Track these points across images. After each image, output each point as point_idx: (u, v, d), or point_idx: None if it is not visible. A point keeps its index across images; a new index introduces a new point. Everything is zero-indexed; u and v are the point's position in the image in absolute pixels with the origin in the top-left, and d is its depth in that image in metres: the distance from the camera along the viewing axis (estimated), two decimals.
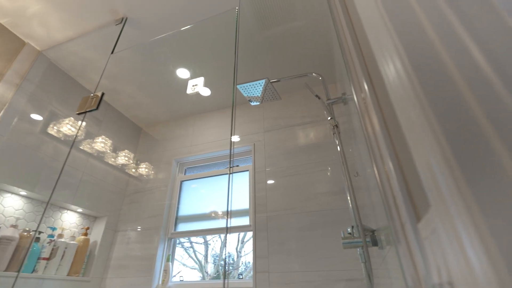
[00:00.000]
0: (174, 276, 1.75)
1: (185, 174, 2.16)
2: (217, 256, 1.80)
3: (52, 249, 1.54)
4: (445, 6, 0.24)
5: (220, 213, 1.84)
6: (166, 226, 1.89)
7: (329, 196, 1.54)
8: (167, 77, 1.91)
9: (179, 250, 1.86)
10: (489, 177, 0.19)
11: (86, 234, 1.77)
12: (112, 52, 1.59)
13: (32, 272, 1.44)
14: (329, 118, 1.27)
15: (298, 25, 1.53)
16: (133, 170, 2.22)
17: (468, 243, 0.21)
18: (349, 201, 1.07)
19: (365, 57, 0.62)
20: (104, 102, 2.11)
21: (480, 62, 0.20)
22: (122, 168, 2.14)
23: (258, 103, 1.74)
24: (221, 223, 1.79)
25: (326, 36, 1.61)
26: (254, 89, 1.43)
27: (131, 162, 2.18)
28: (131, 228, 1.94)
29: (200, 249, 1.86)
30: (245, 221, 1.72)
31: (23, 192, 1.51)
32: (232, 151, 2.01)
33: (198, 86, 1.61)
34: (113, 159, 2.08)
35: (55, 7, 1.45)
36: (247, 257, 1.70)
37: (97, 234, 1.86)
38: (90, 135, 1.92)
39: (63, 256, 1.58)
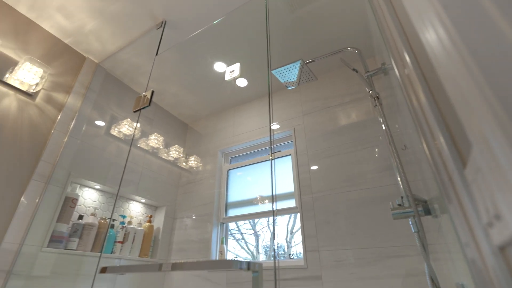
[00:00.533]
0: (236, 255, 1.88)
1: (230, 163, 2.27)
2: (268, 247, 1.86)
3: (124, 234, 1.78)
4: None
5: (265, 197, 1.91)
6: (217, 212, 2.03)
7: (375, 173, 1.50)
8: (206, 73, 2.02)
9: (231, 242, 1.98)
10: None
11: (150, 221, 1.99)
12: (156, 54, 1.75)
13: (111, 253, 1.69)
14: (369, 91, 1.23)
15: (328, 0, 1.50)
16: (184, 163, 2.41)
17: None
18: (398, 174, 1.04)
19: (404, 26, 0.59)
20: (153, 103, 2.31)
21: None
22: (174, 162, 2.34)
23: (295, 87, 1.75)
24: (268, 207, 1.86)
25: (360, 8, 1.54)
26: (289, 72, 1.45)
27: (181, 156, 2.37)
28: (187, 215, 2.12)
29: (251, 240, 1.94)
30: (291, 203, 1.76)
31: (97, 186, 1.75)
32: (272, 138, 2.06)
33: (235, 72, 1.68)
34: (165, 154, 2.28)
35: (106, 22, 1.64)
36: (298, 247, 1.72)
37: (159, 221, 2.08)
38: (144, 134, 2.14)
39: (133, 240, 1.81)
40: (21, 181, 1.38)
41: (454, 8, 0.29)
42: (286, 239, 1.80)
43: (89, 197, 1.73)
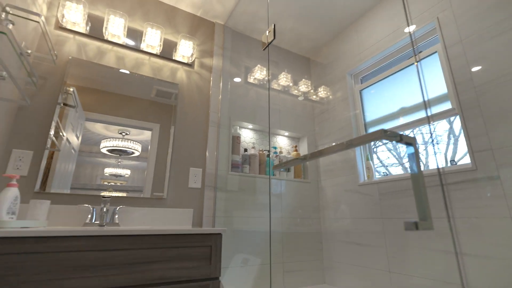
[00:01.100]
0: (378, 172, 1.91)
1: (361, 83, 2.16)
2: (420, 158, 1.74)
3: (279, 161, 2.14)
4: None
5: (410, 107, 1.74)
6: (357, 133, 2.05)
7: None
8: None
9: (381, 154, 1.97)
10: None
11: (296, 150, 2.28)
12: None
13: (273, 175, 2.10)
14: None
15: None
16: (314, 96, 2.50)
17: None
18: None
19: None
20: (275, 46, 2.46)
21: None
22: (305, 96, 2.47)
23: None
24: (418, 115, 1.70)
25: None
26: None
27: (310, 89, 2.46)
28: (327, 142, 2.26)
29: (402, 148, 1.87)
30: (443, 107, 1.53)
31: (250, 126, 2.16)
32: (412, 37, 1.77)
33: None
34: (296, 91, 2.44)
35: None
36: (460, 153, 1.52)
37: (304, 149, 2.34)
38: (274, 76, 2.36)
39: (288, 170, 2.15)
40: (204, 128, 1.90)
41: None
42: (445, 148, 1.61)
43: (247, 135, 2.17)
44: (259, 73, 2.19)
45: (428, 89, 1.64)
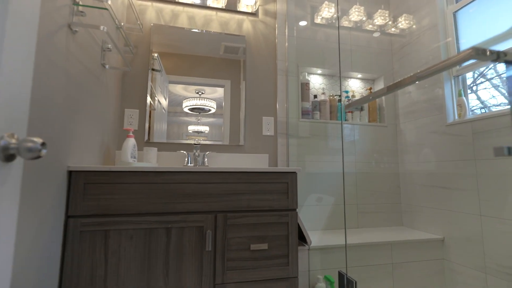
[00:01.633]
0: (472, 111, 1.66)
1: (455, 2, 1.77)
2: None
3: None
4: None
5: None
6: None
7: None
8: None
9: (483, 94, 1.67)
10: None
11: (370, 93, 2.12)
12: None
13: (345, 120, 2.05)
14: None
15: None
16: (393, 28, 2.19)
17: None
18: None
19: None
20: None
21: None
22: (382, 30, 2.19)
23: None
24: None
25: None
26: None
27: (388, 20, 2.15)
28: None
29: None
30: None
31: (319, 71, 2.08)
32: None
33: None
34: (370, 26, 2.18)
35: None
36: None
37: None
38: (344, 12, 2.14)
39: (361, 109, 2.06)
40: (273, 77, 1.94)
41: None
42: None
43: (316, 81, 2.12)
44: (326, 11, 2.02)
45: None
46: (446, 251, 1.67)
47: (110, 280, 1.01)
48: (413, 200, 1.94)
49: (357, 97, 2.14)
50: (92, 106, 1.19)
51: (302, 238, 1.53)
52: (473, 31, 1.65)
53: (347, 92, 2.10)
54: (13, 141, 0.53)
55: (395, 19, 2.17)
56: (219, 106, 1.79)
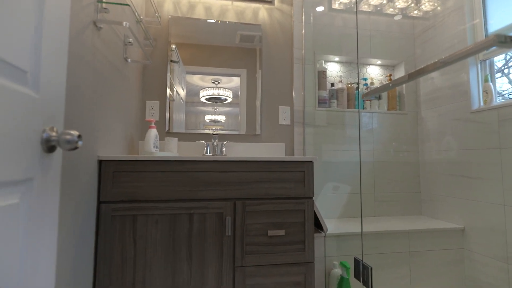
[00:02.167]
0: (500, 96, 1.58)
1: None
2: None
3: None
4: None
5: None
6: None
7: None
8: None
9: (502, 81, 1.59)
10: None
11: (390, 80, 2.07)
12: None
13: (363, 108, 2.02)
14: None
15: None
16: (415, 11, 2.10)
17: None
18: None
19: None
20: None
21: None
22: (403, 13, 2.10)
23: None
24: None
25: None
26: None
27: (410, 3, 2.06)
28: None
29: None
30: None
31: (336, 58, 2.05)
32: None
33: None
34: (391, 9, 2.10)
35: None
36: None
37: None
38: None
39: (379, 97, 2.01)
40: (289, 66, 1.93)
41: None
42: None
43: (333, 69, 2.08)
44: None
45: None
46: (467, 241, 1.65)
47: (138, 262, 1.09)
48: (433, 189, 1.91)
49: (376, 84, 2.09)
50: (116, 99, 1.25)
51: (318, 226, 1.56)
52: (503, 12, 1.55)
53: (365, 79, 2.05)
54: (54, 134, 0.59)
55: (418, 1, 2.07)
56: (235, 96, 1.82)
